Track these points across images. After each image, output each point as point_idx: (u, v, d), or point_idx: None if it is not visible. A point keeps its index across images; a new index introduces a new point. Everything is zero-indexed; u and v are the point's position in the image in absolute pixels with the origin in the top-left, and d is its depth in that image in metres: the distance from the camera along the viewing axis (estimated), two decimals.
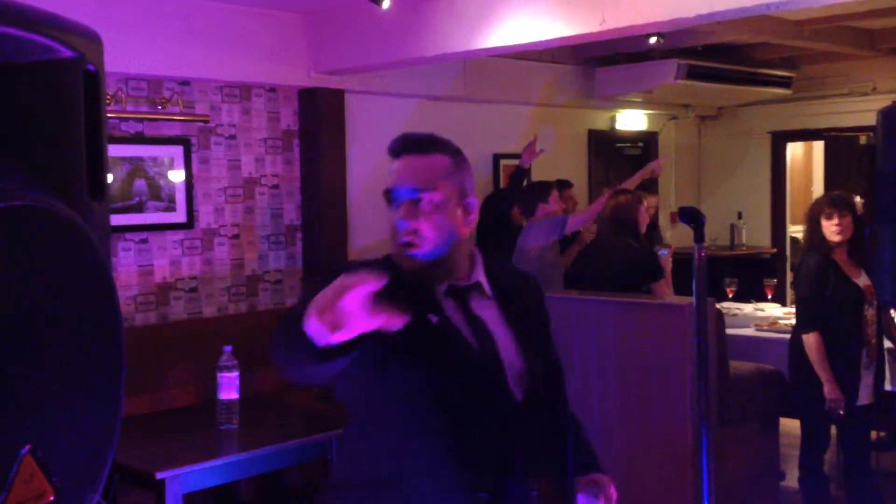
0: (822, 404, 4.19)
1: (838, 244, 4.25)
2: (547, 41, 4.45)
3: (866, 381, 4.27)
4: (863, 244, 4.25)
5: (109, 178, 1.32)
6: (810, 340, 4.21)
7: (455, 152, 1.93)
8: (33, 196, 1.08)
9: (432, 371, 1.76)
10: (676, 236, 7.86)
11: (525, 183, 6.00)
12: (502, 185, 6.81)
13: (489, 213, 6.08)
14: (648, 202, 5.61)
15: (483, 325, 1.83)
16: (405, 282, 1.76)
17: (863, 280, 4.28)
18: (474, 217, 1.87)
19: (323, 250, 5.49)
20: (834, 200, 4.29)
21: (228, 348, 3.90)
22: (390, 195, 1.83)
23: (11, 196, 1.05)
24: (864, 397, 4.26)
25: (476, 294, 1.87)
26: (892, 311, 4.47)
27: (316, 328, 1.43)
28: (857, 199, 5.17)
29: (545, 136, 6.60)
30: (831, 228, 4.23)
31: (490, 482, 1.75)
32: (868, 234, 4.30)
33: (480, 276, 1.89)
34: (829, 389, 4.16)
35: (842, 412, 4.16)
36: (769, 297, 6.26)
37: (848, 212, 4.25)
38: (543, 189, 5.57)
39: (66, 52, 1.16)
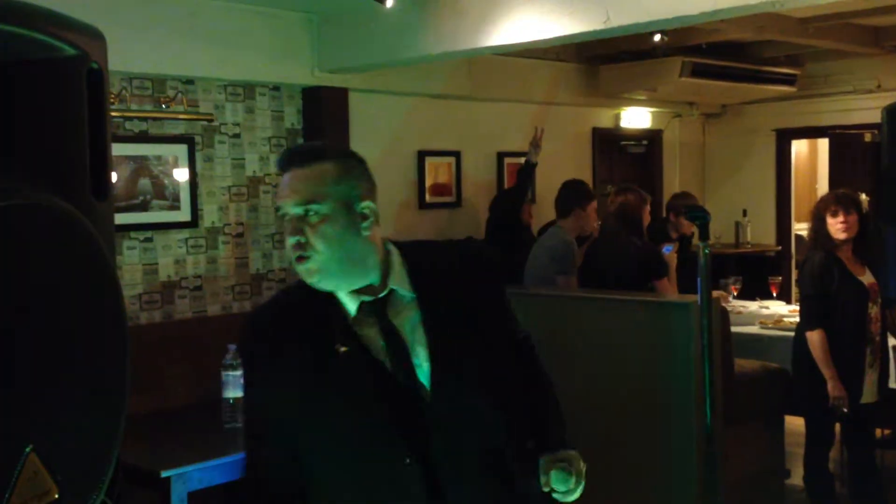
0: (826, 402, 4.18)
1: (843, 242, 4.24)
2: (551, 39, 4.45)
3: (870, 378, 4.27)
4: (868, 242, 4.24)
5: (113, 177, 1.33)
6: (814, 338, 4.20)
7: (343, 157, 1.81)
8: (38, 195, 1.08)
9: (346, 409, 1.72)
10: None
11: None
12: (506, 183, 6.81)
13: (498, 212, 6.07)
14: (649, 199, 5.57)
15: (402, 342, 1.75)
16: (313, 310, 1.76)
17: (867, 278, 4.27)
18: (371, 222, 1.78)
19: None
20: (840, 198, 4.28)
21: (233, 347, 3.90)
22: (278, 212, 1.77)
23: (16, 195, 1.05)
24: (869, 395, 4.26)
25: (394, 303, 1.77)
26: None
27: None
28: (863, 196, 5.16)
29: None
30: (837, 226, 4.22)
31: None
32: (873, 232, 4.30)
33: (396, 282, 1.78)
34: (832, 387, 4.15)
35: (846, 410, 4.15)
36: (774, 294, 6.25)
37: (854, 209, 4.24)
38: (584, 193, 5.24)
39: (70, 51, 1.16)
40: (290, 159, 1.78)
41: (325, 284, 1.73)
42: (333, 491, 1.75)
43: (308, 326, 1.75)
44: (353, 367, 1.71)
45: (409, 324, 1.76)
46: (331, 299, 1.76)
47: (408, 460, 1.69)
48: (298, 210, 1.72)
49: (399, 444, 1.69)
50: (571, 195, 5.21)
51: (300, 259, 1.72)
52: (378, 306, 1.75)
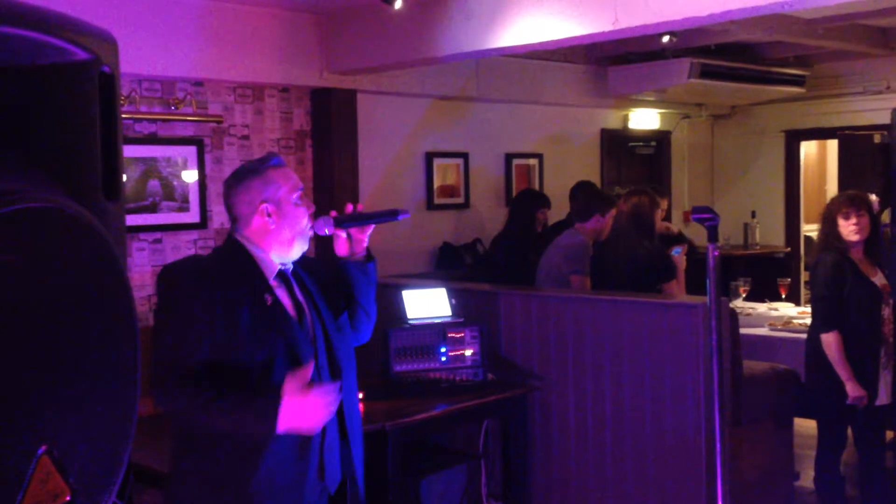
0: (840, 404, 4.17)
1: (855, 244, 4.23)
2: (559, 41, 4.45)
3: (885, 380, 4.25)
4: (879, 243, 4.23)
5: (124, 178, 1.33)
6: (829, 340, 4.18)
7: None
8: (49, 197, 1.09)
9: (268, 342, 2.36)
10: (690, 235, 7.83)
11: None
12: (514, 184, 6.80)
13: (504, 254, 6.00)
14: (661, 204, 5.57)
15: (300, 305, 2.50)
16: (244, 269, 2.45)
17: (879, 279, 4.26)
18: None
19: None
20: (851, 200, 4.27)
21: None
22: (301, 191, 2.52)
23: (27, 198, 1.05)
24: (883, 397, 4.24)
25: (295, 278, 2.55)
26: None
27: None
28: (874, 197, 5.14)
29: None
30: (849, 228, 4.20)
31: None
32: (884, 233, 4.29)
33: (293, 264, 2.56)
34: (851, 388, 4.13)
35: (863, 407, 4.14)
36: (783, 296, 6.24)
37: (865, 211, 4.23)
38: (607, 201, 5.24)
39: (82, 54, 1.16)
40: (282, 161, 2.56)
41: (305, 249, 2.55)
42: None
43: (239, 278, 2.41)
44: (275, 314, 2.41)
45: (297, 287, 2.53)
46: (249, 264, 2.45)
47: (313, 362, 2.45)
48: None
49: (305, 352, 2.44)
50: (595, 201, 5.22)
51: (311, 228, 2.53)
52: (286, 276, 2.51)
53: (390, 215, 2.56)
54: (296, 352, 2.39)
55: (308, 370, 2.31)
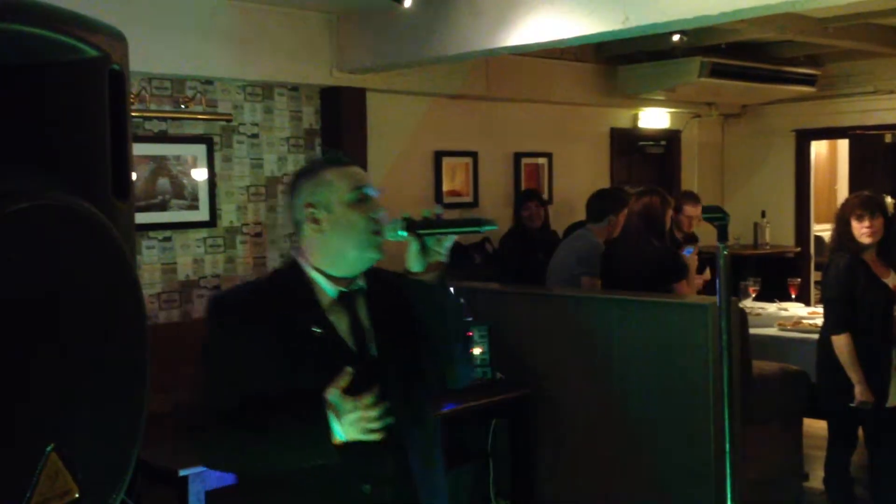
0: (850, 405, 4.15)
1: (869, 246, 4.20)
2: (569, 39, 4.44)
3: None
4: (892, 244, 4.21)
5: (133, 176, 1.33)
6: (840, 342, 4.16)
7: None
8: (58, 196, 1.09)
9: (318, 378, 1.91)
10: (700, 235, 7.81)
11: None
12: (523, 183, 6.80)
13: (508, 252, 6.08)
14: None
15: (363, 331, 2.04)
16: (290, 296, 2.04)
17: (892, 280, 4.24)
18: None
19: None
20: (865, 202, 4.23)
21: None
22: (361, 190, 2.05)
23: (38, 196, 1.06)
24: (894, 398, 4.22)
25: (358, 295, 2.07)
26: None
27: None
28: (889, 199, 5.11)
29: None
30: (862, 230, 4.18)
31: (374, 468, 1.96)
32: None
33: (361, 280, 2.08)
34: (860, 391, 4.12)
35: (874, 408, 4.12)
36: (793, 296, 6.21)
37: (879, 213, 4.20)
38: (620, 202, 5.19)
39: (93, 53, 1.17)
40: (349, 158, 2.14)
41: (377, 260, 2.05)
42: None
43: (283, 308, 2.01)
44: (325, 346, 1.98)
45: (362, 312, 2.05)
46: (302, 287, 2.04)
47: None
48: (374, 193, 2.08)
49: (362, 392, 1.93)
50: (608, 203, 5.23)
51: (379, 234, 2.01)
52: (351, 297, 2.04)
53: (475, 224, 2.02)
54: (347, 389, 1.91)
55: (350, 373, 1.88)
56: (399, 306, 2.05)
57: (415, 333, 2.05)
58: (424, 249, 1.98)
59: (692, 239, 5.79)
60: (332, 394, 1.86)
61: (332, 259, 2.03)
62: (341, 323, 2.01)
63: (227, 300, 2.16)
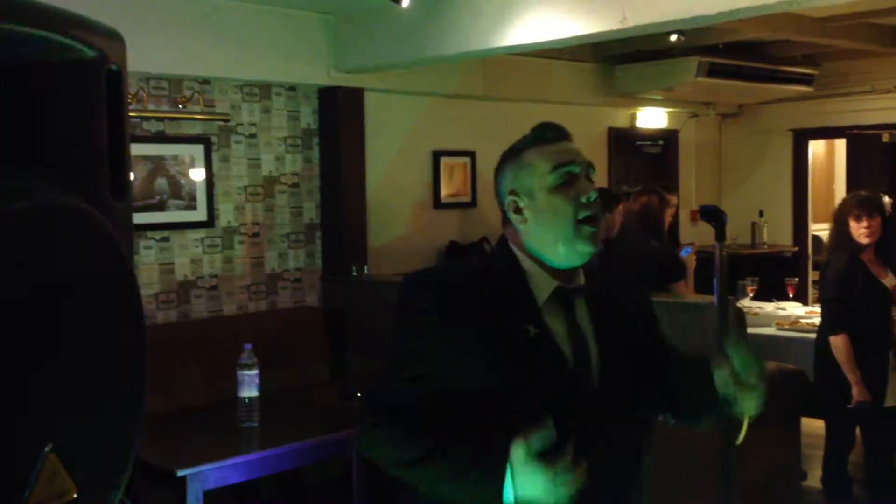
0: (848, 405, 4.16)
1: (866, 246, 4.21)
2: (567, 39, 4.44)
3: (893, 381, 4.23)
4: (889, 244, 4.21)
5: (131, 176, 1.33)
6: (838, 342, 4.17)
7: None
8: (57, 195, 1.09)
9: (520, 390, 1.64)
10: (698, 235, 7.82)
11: None
12: None
13: None
14: (671, 201, 5.55)
15: (581, 333, 1.72)
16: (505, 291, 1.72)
17: (890, 280, 4.24)
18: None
19: (342, 249, 5.50)
20: (863, 203, 4.24)
21: (248, 346, 3.92)
22: (563, 168, 1.72)
23: (36, 195, 1.05)
24: (892, 399, 4.22)
25: (579, 299, 1.75)
26: None
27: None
28: (887, 199, 5.12)
29: None
30: (860, 231, 4.19)
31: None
32: (894, 234, 4.27)
33: (582, 278, 1.77)
34: (857, 391, 4.12)
35: (871, 408, 4.13)
36: (791, 295, 6.22)
37: (877, 213, 4.21)
38: (612, 199, 5.15)
39: (90, 53, 1.17)
40: (560, 131, 1.80)
41: (592, 253, 1.73)
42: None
43: (496, 303, 1.70)
44: (538, 352, 1.68)
45: (581, 315, 1.75)
46: (514, 278, 1.74)
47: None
48: (589, 171, 1.75)
49: (565, 426, 1.58)
50: (603, 201, 5.19)
51: (592, 221, 1.70)
52: (568, 296, 1.73)
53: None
54: (558, 406, 1.61)
55: (549, 429, 1.49)
56: (631, 316, 1.82)
57: (652, 359, 1.80)
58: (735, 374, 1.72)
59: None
60: (519, 452, 1.49)
61: (539, 252, 1.73)
62: (557, 326, 1.71)
63: (421, 284, 1.77)
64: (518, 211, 1.74)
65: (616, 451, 1.75)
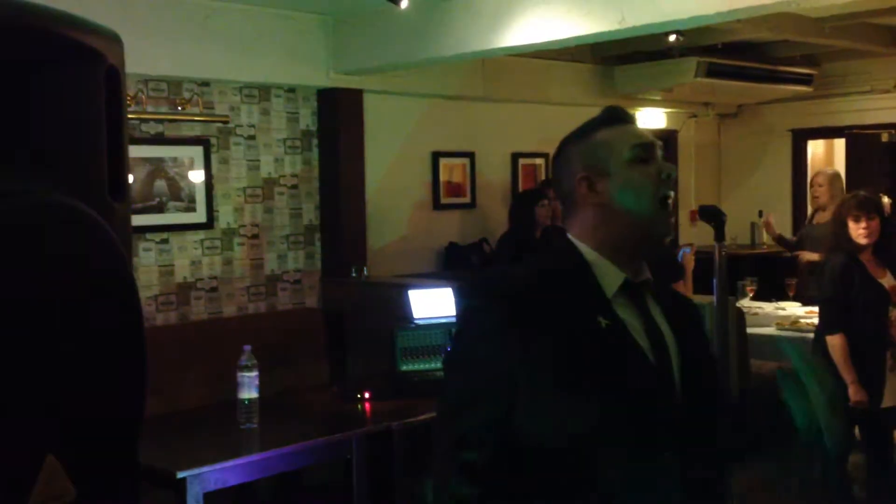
0: (847, 404, 4.15)
1: (864, 246, 4.21)
2: (566, 40, 4.44)
3: (891, 383, 4.23)
4: (888, 244, 4.21)
5: (130, 178, 1.33)
6: (835, 342, 4.16)
7: None
8: (56, 196, 1.09)
9: (596, 390, 1.50)
10: (697, 235, 7.82)
11: None
12: (521, 184, 6.80)
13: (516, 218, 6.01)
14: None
15: (658, 327, 1.58)
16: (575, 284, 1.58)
17: (888, 280, 4.24)
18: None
19: (342, 250, 5.50)
20: (862, 203, 4.24)
21: (248, 347, 3.91)
22: (638, 148, 1.63)
23: (35, 196, 1.05)
24: (889, 399, 4.22)
25: (649, 294, 1.62)
26: None
27: None
28: (886, 200, 5.11)
29: None
30: (858, 231, 4.18)
31: None
32: (892, 234, 4.26)
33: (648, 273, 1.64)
34: (853, 391, 4.12)
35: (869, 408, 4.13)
36: (790, 295, 6.22)
37: (876, 214, 4.21)
38: None
39: (88, 54, 1.17)
40: (629, 114, 1.76)
41: (666, 238, 1.65)
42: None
43: (565, 303, 1.55)
44: (613, 343, 1.53)
45: (654, 311, 1.62)
46: (583, 275, 1.59)
47: (667, 453, 1.51)
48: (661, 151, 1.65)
49: (660, 436, 1.49)
50: None
51: (668, 203, 1.60)
52: (638, 289, 1.61)
53: None
54: (639, 405, 1.49)
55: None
56: (696, 321, 1.71)
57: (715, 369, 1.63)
58: None
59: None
60: None
61: (614, 236, 1.59)
62: (631, 318, 1.56)
63: (519, 293, 1.56)
64: (592, 189, 1.59)
65: (694, 444, 1.58)
